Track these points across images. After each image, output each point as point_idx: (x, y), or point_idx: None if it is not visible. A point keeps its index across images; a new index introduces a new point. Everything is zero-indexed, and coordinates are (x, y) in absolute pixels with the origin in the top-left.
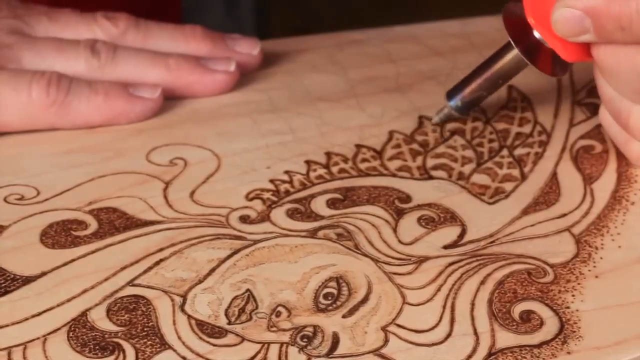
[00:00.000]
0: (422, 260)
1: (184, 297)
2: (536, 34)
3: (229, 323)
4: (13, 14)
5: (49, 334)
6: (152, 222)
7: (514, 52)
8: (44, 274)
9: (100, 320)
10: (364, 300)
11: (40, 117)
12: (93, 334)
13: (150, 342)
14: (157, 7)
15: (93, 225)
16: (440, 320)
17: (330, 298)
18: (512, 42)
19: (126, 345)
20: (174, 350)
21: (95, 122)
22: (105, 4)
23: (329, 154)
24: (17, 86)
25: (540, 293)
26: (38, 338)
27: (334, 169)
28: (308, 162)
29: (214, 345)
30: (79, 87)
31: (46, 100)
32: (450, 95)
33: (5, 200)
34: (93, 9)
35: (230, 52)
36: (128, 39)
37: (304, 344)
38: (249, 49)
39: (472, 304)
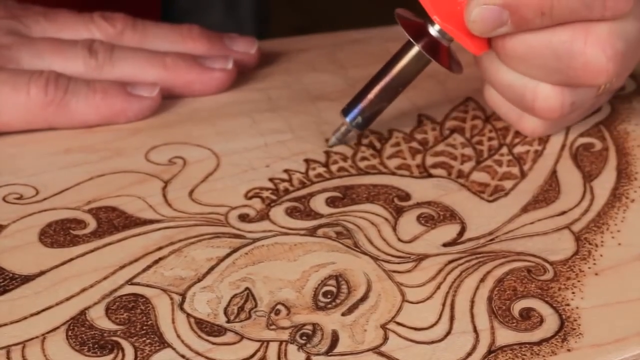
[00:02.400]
0: (421, 258)
1: (183, 295)
2: (433, 32)
3: (228, 321)
4: (10, 14)
5: (48, 332)
6: (151, 221)
7: (415, 51)
8: (42, 273)
9: (99, 319)
10: (364, 298)
11: (39, 117)
12: (92, 333)
13: (149, 341)
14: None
15: (92, 224)
16: (439, 318)
17: (329, 296)
18: (412, 40)
19: (125, 344)
20: (173, 349)
21: (93, 121)
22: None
23: (328, 153)
24: (15, 86)
25: (540, 290)
26: (37, 337)
27: (333, 168)
28: (307, 161)
29: (213, 343)
30: (77, 86)
31: (44, 99)
32: (348, 111)
33: (4, 199)
34: (89, 9)
35: (228, 50)
36: (125, 39)
37: (303, 342)
38: (246, 47)
39: (472, 302)
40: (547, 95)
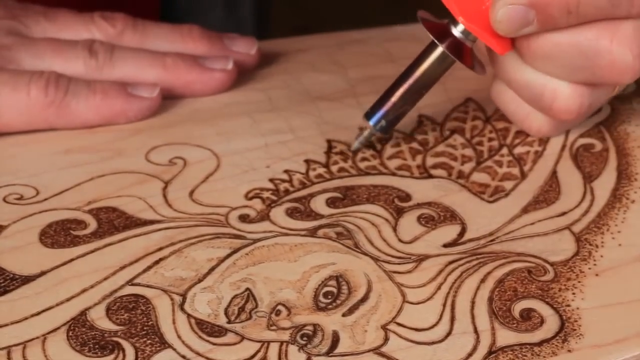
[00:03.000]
0: (422, 258)
1: (184, 296)
2: (456, 33)
3: (229, 322)
4: (10, 14)
5: (48, 333)
6: (151, 222)
7: (439, 51)
8: (43, 273)
9: (99, 319)
10: (364, 298)
11: (39, 117)
12: (92, 333)
13: (149, 341)
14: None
15: (92, 224)
16: (440, 319)
17: (330, 297)
18: (436, 41)
19: (126, 345)
20: (174, 349)
21: (93, 122)
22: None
23: (328, 153)
24: (15, 86)
25: (540, 291)
26: (37, 337)
27: (334, 168)
28: (308, 161)
29: (214, 344)
30: (77, 87)
31: (45, 100)
32: (371, 115)
33: (4, 200)
34: (88, 8)
35: (228, 51)
36: (125, 39)
37: (303, 342)
38: (246, 48)
39: (472, 302)
40: (567, 96)
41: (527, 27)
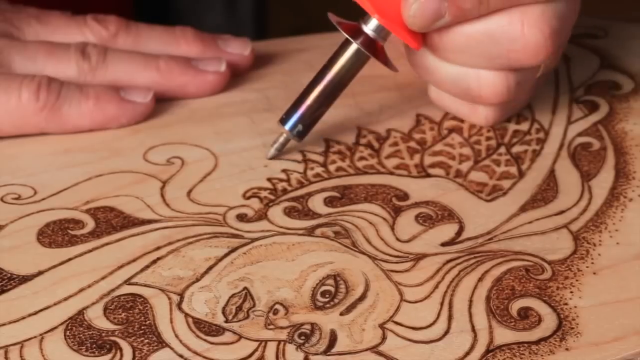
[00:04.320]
0: (419, 257)
1: (181, 295)
2: (369, 31)
3: (226, 321)
4: (2, 17)
5: (46, 332)
6: (149, 221)
7: (353, 48)
8: (41, 273)
9: (97, 318)
10: (362, 297)
11: (30, 122)
12: (90, 333)
13: (147, 341)
14: None
15: (90, 224)
16: (438, 318)
17: (327, 296)
18: (349, 38)
19: (123, 344)
20: (171, 349)
21: (85, 127)
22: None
23: (326, 153)
24: (7, 90)
25: (538, 290)
26: (35, 337)
27: (332, 167)
28: (305, 161)
29: (211, 343)
30: (69, 91)
31: (36, 104)
32: (286, 120)
33: (2, 199)
34: (82, 10)
35: (221, 52)
36: (119, 42)
37: (301, 341)
38: (240, 49)
39: (470, 301)
40: (491, 81)
41: (440, 21)
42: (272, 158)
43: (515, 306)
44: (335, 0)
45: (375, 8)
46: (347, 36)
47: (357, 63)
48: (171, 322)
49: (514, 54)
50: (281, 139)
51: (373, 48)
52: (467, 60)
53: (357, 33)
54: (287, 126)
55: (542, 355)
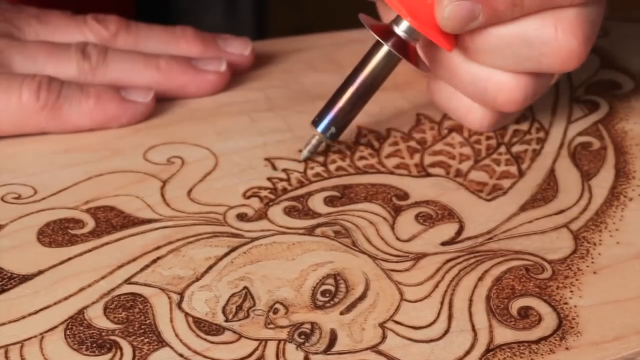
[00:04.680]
0: (419, 257)
1: (182, 294)
2: (400, 33)
3: (227, 320)
4: (2, 17)
5: (46, 332)
6: (149, 221)
7: (384, 50)
8: (41, 272)
9: (97, 318)
10: (362, 297)
11: (31, 121)
12: (90, 332)
13: (147, 340)
14: None
15: (90, 223)
16: (438, 317)
17: (327, 295)
18: (381, 41)
19: (123, 343)
20: (171, 348)
21: (86, 126)
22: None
23: (326, 152)
24: (7, 90)
25: (538, 289)
26: (35, 336)
27: (332, 167)
28: (306, 160)
29: (211, 342)
30: (70, 90)
31: (37, 104)
32: (319, 122)
33: (2, 199)
34: (82, 10)
35: (221, 52)
36: (119, 42)
37: (301, 340)
38: (240, 49)
39: (470, 301)
40: (512, 88)
41: (473, 22)
42: (305, 160)
43: (516, 305)
44: (335, 0)
45: (407, 10)
46: (378, 38)
47: (388, 65)
48: (171, 321)
49: (546, 58)
50: (314, 141)
51: (404, 49)
52: (496, 62)
53: (388, 34)
54: (320, 128)
55: (542, 355)
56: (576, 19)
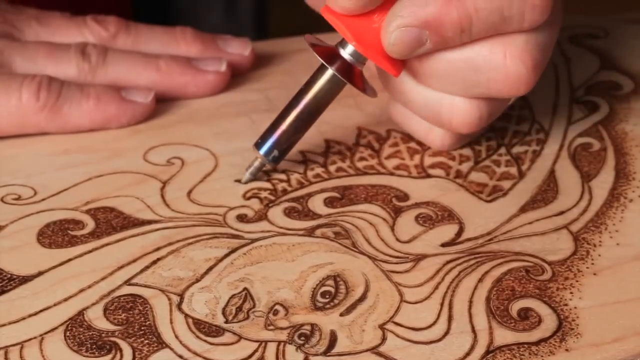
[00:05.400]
0: (419, 258)
1: (181, 296)
2: (346, 56)
3: (226, 322)
4: (2, 18)
5: (46, 333)
6: (149, 222)
7: (329, 74)
8: (41, 273)
9: (97, 319)
10: (362, 298)
11: (31, 122)
12: (90, 333)
13: (147, 341)
14: None
15: (90, 224)
16: (438, 318)
17: (327, 296)
18: (325, 64)
19: (123, 345)
20: (171, 349)
21: (86, 127)
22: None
23: (326, 153)
24: (7, 90)
25: (538, 290)
26: (35, 337)
27: (332, 168)
28: (305, 161)
29: (211, 344)
30: (70, 91)
31: (36, 104)
32: (261, 144)
33: (2, 200)
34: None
35: (221, 52)
36: (119, 42)
37: (301, 342)
38: (239, 49)
39: (470, 302)
40: (465, 110)
41: (421, 48)
42: (247, 182)
43: (515, 307)
44: None
45: (352, 34)
46: (322, 61)
47: (333, 88)
48: (171, 322)
49: (495, 84)
50: (256, 164)
51: (349, 73)
52: (445, 87)
53: (333, 57)
54: (262, 151)
55: (542, 356)
56: (525, 45)
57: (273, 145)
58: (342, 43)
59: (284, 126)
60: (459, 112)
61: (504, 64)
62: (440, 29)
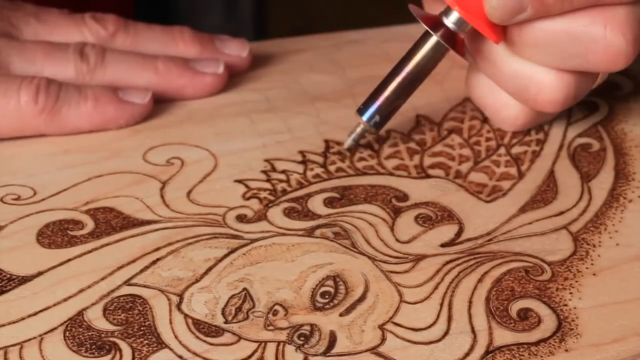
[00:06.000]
0: (419, 258)
1: (181, 296)
2: (449, 24)
3: (226, 322)
4: (0, 15)
5: (45, 333)
6: (148, 222)
7: (433, 41)
8: (40, 273)
9: (96, 319)
10: (361, 298)
11: (29, 124)
12: (89, 334)
13: (146, 342)
14: None
15: (90, 225)
16: (437, 319)
17: (327, 297)
18: (430, 31)
19: (123, 345)
20: (171, 350)
21: (84, 129)
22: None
23: (326, 153)
24: (6, 93)
25: (537, 291)
26: (34, 338)
27: (331, 168)
28: (305, 161)
29: (211, 344)
30: (68, 93)
31: (35, 107)
32: (364, 110)
33: (1, 200)
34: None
35: (219, 53)
36: (117, 42)
37: (301, 342)
38: (237, 50)
39: (470, 302)
40: (554, 87)
41: (521, 14)
42: (350, 149)
43: (515, 307)
44: (334, 0)
45: (456, 0)
46: (427, 28)
47: (436, 55)
48: (171, 323)
49: (593, 56)
50: (358, 130)
51: (452, 41)
52: (542, 58)
53: (437, 25)
54: (365, 117)
55: (541, 357)
56: (626, 18)
57: (375, 111)
58: (446, 11)
59: (386, 92)
60: (548, 88)
61: (604, 36)
62: None
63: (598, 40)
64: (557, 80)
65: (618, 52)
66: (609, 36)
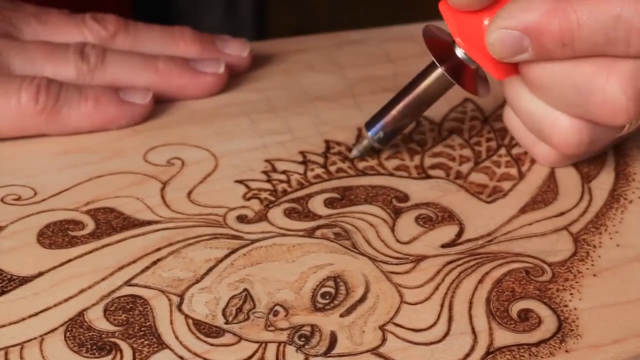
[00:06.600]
0: (419, 259)
1: (181, 296)
2: (459, 54)
3: (227, 322)
4: (1, 15)
5: (46, 333)
6: (149, 222)
7: (438, 72)
8: (41, 274)
9: (97, 320)
10: (362, 299)
11: (30, 124)
12: (90, 334)
13: (147, 342)
14: None
15: (90, 225)
16: (438, 319)
17: (327, 297)
18: (435, 62)
19: (123, 345)
20: (171, 350)
21: (85, 129)
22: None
23: (326, 154)
24: (6, 93)
25: (538, 292)
26: (35, 338)
27: (332, 169)
28: (306, 162)
29: (211, 344)
30: (68, 93)
31: (35, 107)
32: (370, 125)
33: (2, 200)
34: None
35: (220, 53)
36: (117, 42)
37: (301, 343)
38: (238, 50)
39: (470, 303)
40: (566, 130)
41: (522, 54)
42: (354, 158)
43: (515, 308)
44: (335, 0)
45: (459, 31)
46: (434, 60)
47: (442, 85)
48: (171, 323)
49: (592, 108)
50: (364, 142)
51: (460, 72)
52: (550, 100)
53: (447, 53)
54: (370, 132)
55: (542, 357)
56: (630, 72)
57: (380, 127)
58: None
59: (393, 112)
60: (559, 130)
61: (603, 89)
62: (540, 38)
63: (597, 92)
64: (569, 123)
65: (617, 108)
66: (608, 89)
